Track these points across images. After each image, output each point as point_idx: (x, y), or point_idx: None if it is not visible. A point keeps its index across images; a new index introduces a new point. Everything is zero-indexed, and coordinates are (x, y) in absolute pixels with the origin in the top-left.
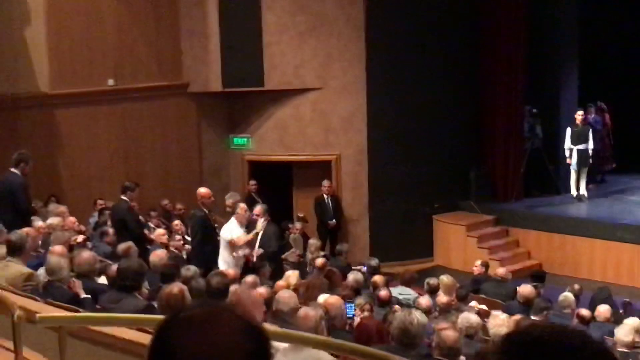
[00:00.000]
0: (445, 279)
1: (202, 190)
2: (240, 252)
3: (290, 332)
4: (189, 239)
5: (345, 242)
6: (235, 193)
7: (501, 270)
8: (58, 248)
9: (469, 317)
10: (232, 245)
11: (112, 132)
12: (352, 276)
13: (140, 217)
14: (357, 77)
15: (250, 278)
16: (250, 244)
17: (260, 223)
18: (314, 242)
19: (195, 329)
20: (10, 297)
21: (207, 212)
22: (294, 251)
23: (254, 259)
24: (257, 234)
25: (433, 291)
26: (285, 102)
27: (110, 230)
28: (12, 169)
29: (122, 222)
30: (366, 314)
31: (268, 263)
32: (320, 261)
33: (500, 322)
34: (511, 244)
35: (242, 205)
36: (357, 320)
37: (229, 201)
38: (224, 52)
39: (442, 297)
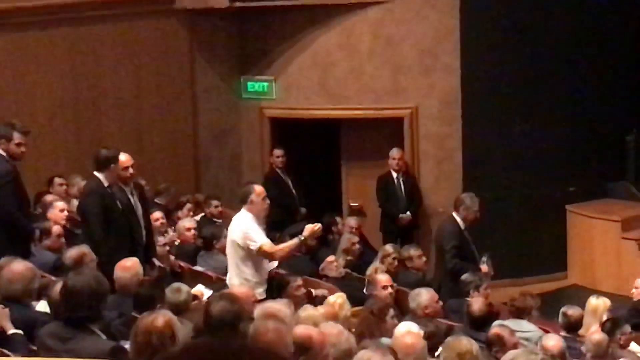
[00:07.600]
0: (595, 301)
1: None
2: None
3: None
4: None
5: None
6: None
7: None
8: None
9: None
10: (263, 257)
11: (55, 71)
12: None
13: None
14: None
15: (275, 304)
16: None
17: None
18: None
19: None
20: None
21: (120, 185)
22: (333, 260)
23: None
24: (304, 240)
25: (572, 327)
26: (329, 24)
27: (55, 229)
28: None
29: None
30: None
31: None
32: (381, 277)
33: None
34: None
35: (258, 189)
36: None
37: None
38: None
39: (589, 332)
